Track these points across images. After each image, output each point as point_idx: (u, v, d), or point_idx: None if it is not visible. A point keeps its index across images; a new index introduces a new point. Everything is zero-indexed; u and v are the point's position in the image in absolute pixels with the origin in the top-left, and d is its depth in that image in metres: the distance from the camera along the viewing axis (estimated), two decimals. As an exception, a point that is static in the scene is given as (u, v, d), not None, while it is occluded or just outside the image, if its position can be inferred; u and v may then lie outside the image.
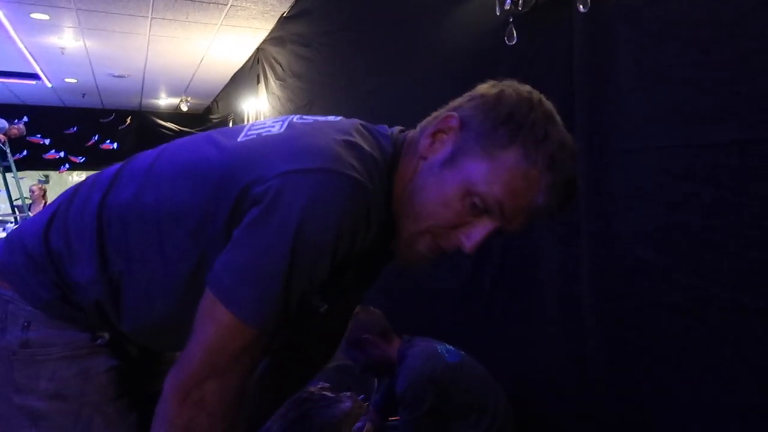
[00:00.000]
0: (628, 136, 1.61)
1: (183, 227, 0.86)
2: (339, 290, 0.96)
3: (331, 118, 0.95)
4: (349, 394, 1.37)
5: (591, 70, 1.73)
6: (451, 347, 2.04)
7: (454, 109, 0.90)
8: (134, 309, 0.92)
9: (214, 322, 0.79)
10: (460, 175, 0.84)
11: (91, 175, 1.00)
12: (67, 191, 1.00)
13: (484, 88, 0.90)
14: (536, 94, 0.88)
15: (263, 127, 0.92)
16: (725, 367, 1.39)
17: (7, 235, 0.99)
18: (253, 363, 0.85)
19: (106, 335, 0.95)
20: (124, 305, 0.92)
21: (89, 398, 0.92)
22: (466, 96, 0.91)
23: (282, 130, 0.89)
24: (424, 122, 0.95)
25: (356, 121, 0.94)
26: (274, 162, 0.80)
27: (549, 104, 0.88)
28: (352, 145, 0.84)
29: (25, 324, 0.90)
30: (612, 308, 1.69)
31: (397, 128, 0.98)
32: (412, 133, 0.96)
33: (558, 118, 0.87)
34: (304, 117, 0.95)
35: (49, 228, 0.93)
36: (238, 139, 0.91)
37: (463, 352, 2.04)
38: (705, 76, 1.41)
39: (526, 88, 0.89)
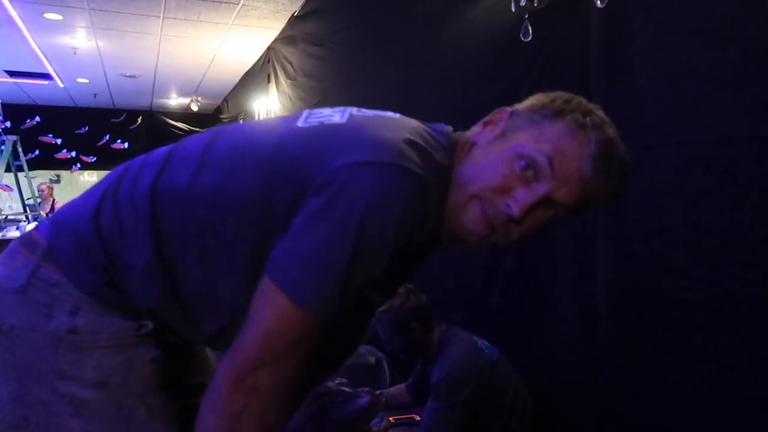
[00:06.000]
0: (646, 132, 1.60)
1: (242, 213, 0.86)
2: (392, 283, 0.96)
3: (389, 113, 0.96)
4: (366, 389, 1.36)
5: (608, 66, 1.72)
6: (488, 343, 2.00)
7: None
8: (194, 293, 0.90)
9: (273, 309, 0.79)
10: (509, 143, 0.89)
11: (137, 158, 0.99)
12: (112, 173, 0.98)
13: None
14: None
15: (323, 116, 0.93)
16: (745, 363, 1.38)
17: (53, 218, 0.97)
18: (306, 353, 0.85)
19: (150, 324, 0.94)
20: (182, 290, 0.90)
21: (133, 389, 0.91)
22: None
23: (344, 120, 0.90)
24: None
25: (414, 120, 0.95)
26: (339, 152, 0.81)
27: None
28: (412, 142, 0.84)
29: (73, 309, 0.89)
30: (630, 304, 1.68)
31: (449, 127, 0.99)
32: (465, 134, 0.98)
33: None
34: (363, 110, 0.96)
35: (98, 210, 0.91)
36: (298, 124, 0.91)
37: (497, 349, 2.00)
38: (724, 71, 1.40)
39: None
